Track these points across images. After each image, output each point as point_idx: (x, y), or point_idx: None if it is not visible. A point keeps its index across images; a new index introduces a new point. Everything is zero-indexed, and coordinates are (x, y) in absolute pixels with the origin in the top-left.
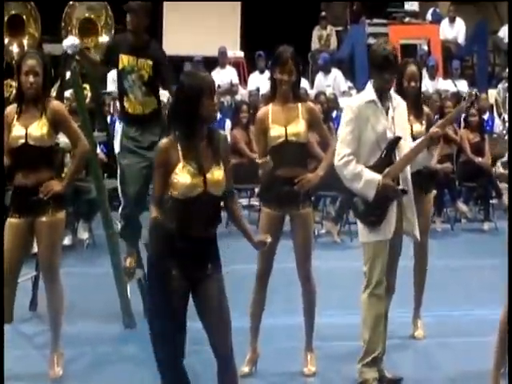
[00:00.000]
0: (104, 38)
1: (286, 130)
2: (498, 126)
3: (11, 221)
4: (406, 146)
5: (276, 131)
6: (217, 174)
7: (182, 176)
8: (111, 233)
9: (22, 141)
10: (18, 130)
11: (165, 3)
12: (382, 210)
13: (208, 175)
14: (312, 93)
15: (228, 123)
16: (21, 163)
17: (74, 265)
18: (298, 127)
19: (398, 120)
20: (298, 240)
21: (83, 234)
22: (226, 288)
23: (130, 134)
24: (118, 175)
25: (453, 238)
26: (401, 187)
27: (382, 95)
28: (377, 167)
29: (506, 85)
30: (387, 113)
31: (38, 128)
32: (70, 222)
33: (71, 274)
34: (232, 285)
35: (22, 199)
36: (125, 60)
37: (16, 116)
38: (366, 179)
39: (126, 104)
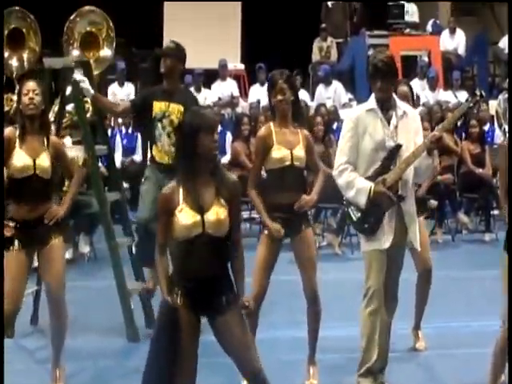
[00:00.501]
0: (106, 52)
1: (291, 153)
2: (499, 136)
3: (14, 254)
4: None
5: (281, 153)
6: (216, 213)
7: (181, 217)
8: (113, 245)
9: (31, 172)
10: (23, 159)
11: (166, 16)
12: (376, 218)
13: (207, 215)
14: (312, 105)
15: (229, 136)
16: (25, 195)
17: (76, 278)
18: (301, 152)
19: (402, 129)
20: (302, 262)
21: (84, 248)
22: None
23: (155, 177)
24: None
25: (454, 249)
26: (398, 194)
27: (384, 104)
28: (375, 176)
29: (507, 95)
30: (389, 122)
31: (46, 159)
32: (70, 235)
33: (72, 287)
34: None
35: (26, 232)
36: (157, 107)
37: (18, 141)
38: (358, 187)
39: (154, 151)
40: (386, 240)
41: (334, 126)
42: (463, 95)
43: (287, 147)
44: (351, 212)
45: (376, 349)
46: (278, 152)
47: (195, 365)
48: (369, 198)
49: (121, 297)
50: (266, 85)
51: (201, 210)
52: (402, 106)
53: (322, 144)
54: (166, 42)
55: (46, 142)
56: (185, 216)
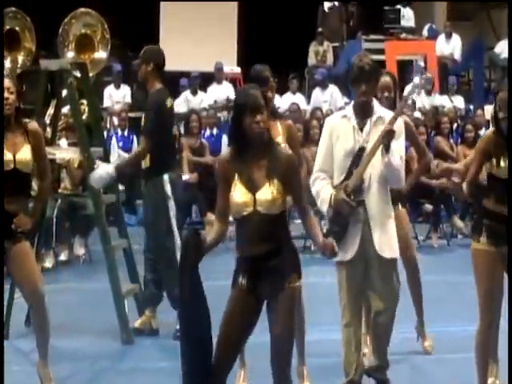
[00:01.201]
0: (101, 54)
1: None
2: None
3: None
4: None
5: None
6: (267, 192)
7: (235, 194)
8: (109, 248)
9: (11, 166)
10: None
11: (162, 19)
12: (341, 227)
13: (258, 194)
14: (308, 108)
15: (225, 138)
16: (7, 189)
17: (70, 280)
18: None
19: (374, 134)
20: None
21: (79, 250)
22: (219, 301)
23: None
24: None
25: (449, 254)
26: (357, 199)
27: (361, 111)
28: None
29: None
30: (362, 128)
31: (27, 153)
32: (66, 237)
33: (67, 289)
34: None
35: (6, 224)
36: None
37: None
38: (322, 197)
39: None
40: (348, 251)
41: None
42: (459, 100)
43: None
44: (324, 223)
45: (354, 362)
46: None
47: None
48: (330, 206)
49: (115, 300)
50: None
51: (253, 188)
52: (379, 111)
53: (317, 146)
54: (162, 45)
55: (26, 136)
56: (238, 193)
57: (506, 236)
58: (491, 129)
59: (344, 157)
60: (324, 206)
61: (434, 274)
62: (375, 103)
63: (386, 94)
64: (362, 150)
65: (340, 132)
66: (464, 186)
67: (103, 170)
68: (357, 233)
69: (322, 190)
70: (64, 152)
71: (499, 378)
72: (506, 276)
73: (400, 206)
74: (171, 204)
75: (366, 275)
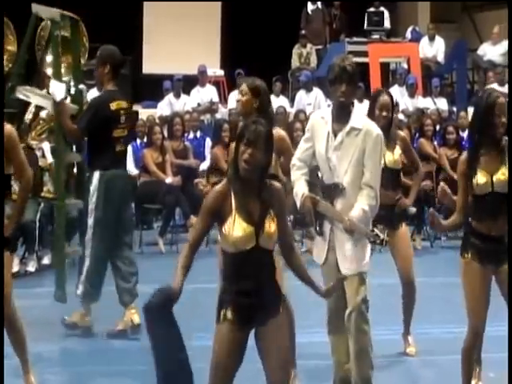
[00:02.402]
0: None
1: None
2: None
3: None
4: (352, 180)
5: None
6: (269, 226)
7: (234, 228)
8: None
9: None
10: None
11: (145, 21)
12: (305, 223)
13: (260, 228)
14: (292, 111)
15: (208, 141)
16: None
17: (53, 284)
18: None
19: (347, 145)
20: None
21: None
22: (197, 307)
23: None
24: None
25: (432, 256)
26: (317, 225)
27: (340, 113)
28: (320, 187)
29: None
30: (337, 134)
31: None
32: (49, 241)
33: (51, 293)
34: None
35: None
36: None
37: None
38: (296, 189)
39: None
40: (318, 255)
41: None
42: (442, 102)
43: None
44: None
45: (340, 369)
46: None
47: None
48: (300, 204)
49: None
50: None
51: (253, 222)
52: (355, 120)
53: None
54: (145, 48)
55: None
56: (238, 227)
57: (491, 255)
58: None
59: (318, 159)
60: (297, 199)
61: (418, 275)
62: (355, 109)
63: (385, 113)
64: (339, 188)
65: (318, 133)
66: None
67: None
68: (324, 239)
69: (297, 183)
70: (46, 154)
71: (482, 380)
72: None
73: (404, 225)
74: (93, 200)
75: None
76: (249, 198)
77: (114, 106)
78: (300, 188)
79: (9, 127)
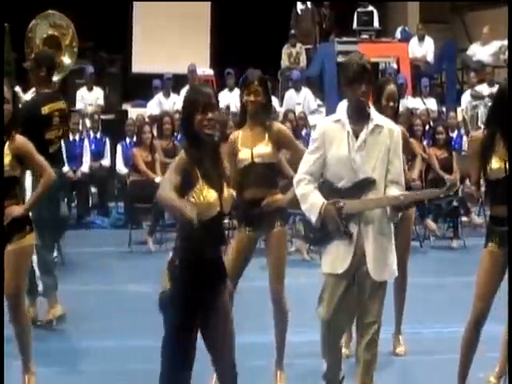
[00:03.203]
0: (66, 60)
1: (251, 151)
2: (466, 143)
3: None
4: (378, 179)
5: (243, 154)
6: (227, 191)
7: (204, 196)
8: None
9: None
10: None
11: (135, 20)
12: (324, 234)
13: (222, 194)
14: (281, 110)
15: None
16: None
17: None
18: (264, 148)
19: (372, 145)
20: (270, 260)
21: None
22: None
23: None
24: None
25: (422, 256)
26: (345, 228)
27: (358, 114)
28: (342, 192)
29: (474, 102)
30: (358, 135)
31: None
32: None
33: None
34: None
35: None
36: None
37: None
38: (311, 202)
39: None
40: (340, 263)
41: (303, 132)
42: (432, 102)
43: (248, 146)
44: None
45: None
46: (241, 153)
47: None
48: (319, 214)
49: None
50: (236, 90)
51: (217, 188)
52: (376, 118)
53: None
54: (134, 47)
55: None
56: (207, 195)
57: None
58: (481, 131)
59: (337, 164)
60: (313, 213)
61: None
62: (371, 108)
63: (392, 103)
64: (372, 182)
65: (333, 138)
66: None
67: None
68: (348, 251)
69: (311, 195)
70: None
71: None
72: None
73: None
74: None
75: (351, 291)
76: (208, 165)
77: (45, 109)
78: (315, 199)
79: (19, 137)
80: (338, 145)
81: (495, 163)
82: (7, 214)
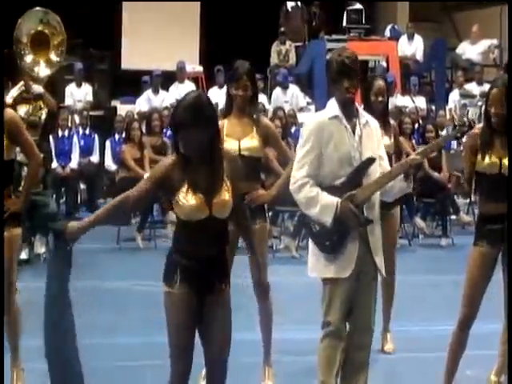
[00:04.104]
0: (53, 57)
1: (239, 144)
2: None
3: None
4: (375, 168)
5: (229, 145)
6: (223, 195)
7: (187, 199)
8: None
9: None
10: None
11: (124, 17)
12: (340, 237)
13: (213, 199)
14: (270, 108)
15: None
16: None
17: (31, 279)
18: (252, 142)
19: (366, 139)
20: (252, 256)
21: (40, 249)
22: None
23: None
24: None
25: (410, 254)
26: (364, 216)
27: (347, 111)
28: (342, 189)
29: (463, 101)
30: (354, 131)
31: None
32: (26, 236)
33: (28, 288)
34: None
35: None
36: None
37: None
38: (322, 204)
39: None
40: (347, 266)
41: (293, 129)
42: (421, 100)
43: (236, 138)
44: (312, 224)
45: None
46: (227, 143)
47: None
48: (335, 215)
49: None
50: (225, 87)
51: (205, 192)
52: (363, 113)
53: None
54: (124, 43)
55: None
56: (191, 198)
57: (498, 234)
58: (479, 125)
59: (338, 162)
60: (328, 215)
61: (396, 273)
62: (357, 105)
63: (381, 98)
64: (371, 160)
65: (332, 134)
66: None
67: None
68: (354, 249)
69: (320, 197)
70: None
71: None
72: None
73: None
74: None
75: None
76: (200, 169)
77: None
78: (327, 200)
79: (10, 111)
80: (337, 142)
81: (490, 158)
82: (5, 209)
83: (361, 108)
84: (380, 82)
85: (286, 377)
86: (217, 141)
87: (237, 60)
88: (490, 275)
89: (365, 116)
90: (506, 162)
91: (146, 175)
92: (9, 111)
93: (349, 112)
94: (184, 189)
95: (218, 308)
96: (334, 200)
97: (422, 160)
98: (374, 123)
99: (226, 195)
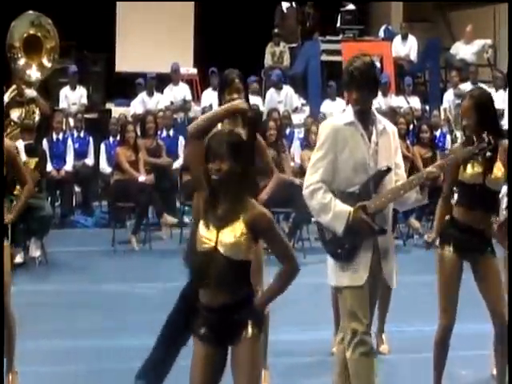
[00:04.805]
0: (46, 62)
1: None
2: (450, 142)
3: None
4: (391, 177)
5: None
6: (230, 234)
7: (199, 228)
8: None
9: None
10: None
11: (118, 19)
12: (352, 245)
13: (221, 233)
14: (264, 109)
15: (181, 140)
16: None
17: (26, 282)
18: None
19: (383, 147)
20: None
21: (35, 252)
22: (140, 305)
23: None
24: None
25: (405, 254)
26: (378, 226)
27: (362, 118)
28: (356, 197)
29: (457, 101)
30: (370, 138)
31: None
32: (21, 239)
33: (23, 291)
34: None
35: None
36: None
37: None
38: (334, 211)
39: None
40: (361, 274)
41: (287, 130)
42: (415, 101)
43: None
44: (325, 231)
45: None
46: None
47: None
48: (347, 223)
49: None
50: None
51: (216, 225)
52: (381, 119)
53: (273, 148)
54: (118, 46)
55: None
56: (203, 227)
57: (470, 246)
58: (460, 141)
59: (352, 169)
60: (340, 223)
61: None
62: (374, 111)
63: None
64: (388, 170)
65: (347, 141)
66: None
67: None
68: (368, 258)
69: (333, 204)
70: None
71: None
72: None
73: None
74: None
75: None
76: (220, 204)
77: None
78: (340, 208)
79: (8, 143)
80: (352, 149)
81: (474, 168)
82: None
83: (378, 114)
84: None
85: (281, 378)
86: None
87: (231, 61)
88: (460, 279)
89: (382, 122)
90: (491, 172)
91: (141, 178)
92: (7, 142)
93: (364, 119)
94: (202, 221)
95: (243, 361)
96: (346, 208)
97: (439, 173)
98: (392, 129)
99: (236, 233)
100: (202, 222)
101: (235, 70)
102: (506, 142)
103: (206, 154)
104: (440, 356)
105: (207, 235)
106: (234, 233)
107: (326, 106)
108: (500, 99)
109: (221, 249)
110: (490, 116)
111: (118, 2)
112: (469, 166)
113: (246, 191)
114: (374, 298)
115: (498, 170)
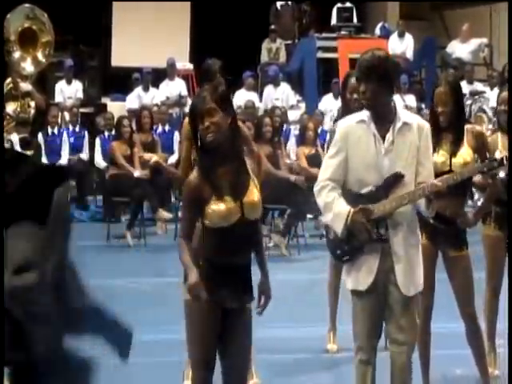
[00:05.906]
0: (40, 57)
1: None
2: None
3: None
4: (409, 180)
5: None
6: (252, 195)
7: (218, 206)
8: None
9: None
10: None
11: (114, 13)
12: (352, 248)
13: (244, 199)
14: (261, 106)
15: (177, 135)
16: None
17: None
18: None
19: (400, 146)
20: None
21: None
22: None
23: None
24: None
25: None
26: (378, 232)
27: (376, 115)
28: (367, 199)
29: None
30: (384, 136)
31: None
32: None
33: None
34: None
35: None
36: None
37: None
38: (335, 211)
39: None
40: (365, 279)
41: (284, 127)
42: (411, 99)
43: None
44: (330, 229)
45: None
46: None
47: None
48: (346, 224)
49: None
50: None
51: (235, 195)
52: (403, 116)
53: (269, 145)
54: (114, 41)
55: None
56: (221, 205)
57: (443, 235)
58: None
59: (363, 169)
60: (339, 223)
61: None
62: (398, 106)
63: (355, 95)
64: (399, 177)
65: (358, 139)
66: None
67: None
68: (374, 261)
69: (335, 203)
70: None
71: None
72: None
73: None
74: None
75: (383, 306)
76: (224, 171)
77: None
78: (340, 208)
79: None
80: (363, 148)
81: (440, 156)
82: None
83: (404, 110)
84: (353, 80)
85: (272, 374)
86: (237, 129)
87: (227, 58)
88: (434, 268)
89: (403, 119)
90: (455, 160)
91: (136, 173)
92: None
93: (380, 117)
94: (214, 197)
95: (239, 330)
96: (346, 209)
97: (443, 188)
98: (419, 126)
99: (255, 194)
100: (212, 200)
101: (214, 60)
102: (472, 126)
103: (193, 119)
104: (426, 350)
105: (228, 206)
106: (253, 197)
107: (328, 102)
108: (495, 98)
109: (249, 215)
110: (462, 101)
111: None
112: (435, 155)
113: (241, 148)
114: (391, 308)
115: (468, 154)
